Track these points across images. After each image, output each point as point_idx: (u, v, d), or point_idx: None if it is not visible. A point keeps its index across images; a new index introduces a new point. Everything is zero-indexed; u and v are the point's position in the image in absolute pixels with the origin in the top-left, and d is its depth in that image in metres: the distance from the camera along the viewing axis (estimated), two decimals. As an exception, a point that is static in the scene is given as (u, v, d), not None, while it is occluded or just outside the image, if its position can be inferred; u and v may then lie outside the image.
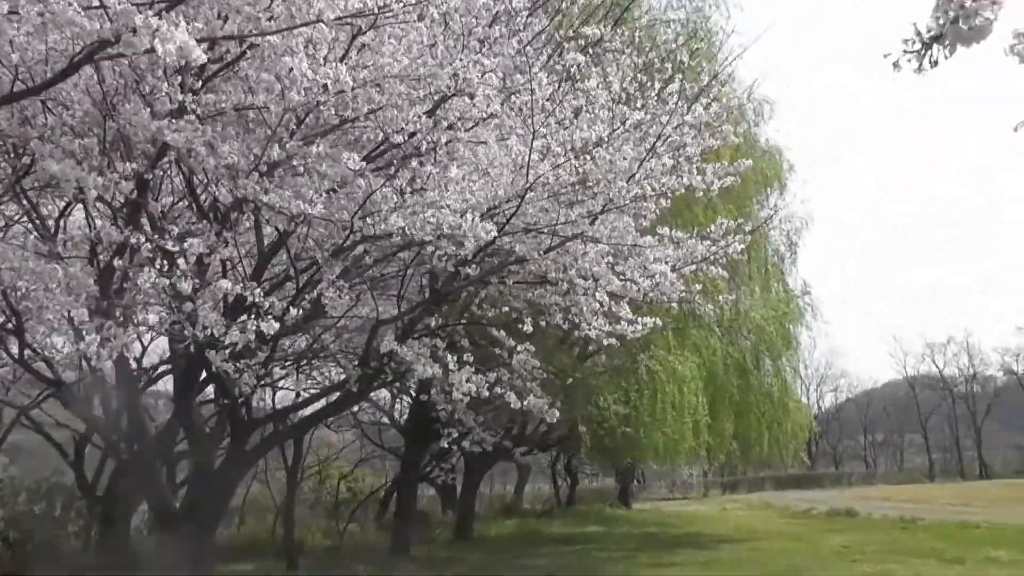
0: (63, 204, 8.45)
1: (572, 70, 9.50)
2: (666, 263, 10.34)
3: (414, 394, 16.05)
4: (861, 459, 79.07)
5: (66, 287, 6.14)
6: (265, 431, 11.70)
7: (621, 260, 10.34)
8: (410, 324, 10.48)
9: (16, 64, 5.73)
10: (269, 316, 6.18)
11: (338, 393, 11.21)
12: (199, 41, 6.00)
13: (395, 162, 7.76)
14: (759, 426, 18.85)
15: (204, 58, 4.69)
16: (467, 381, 8.43)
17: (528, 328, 10.54)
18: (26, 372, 10.39)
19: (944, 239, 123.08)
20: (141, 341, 12.99)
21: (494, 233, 7.69)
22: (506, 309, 10.72)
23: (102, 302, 6.62)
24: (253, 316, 6.18)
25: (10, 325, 8.59)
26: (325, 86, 6.86)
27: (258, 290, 6.46)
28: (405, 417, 20.95)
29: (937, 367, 74.27)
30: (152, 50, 4.12)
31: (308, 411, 12.56)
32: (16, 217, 8.59)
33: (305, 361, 13.57)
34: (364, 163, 6.98)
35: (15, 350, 9.08)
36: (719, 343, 18.14)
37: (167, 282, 6.16)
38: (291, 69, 6.31)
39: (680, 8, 17.47)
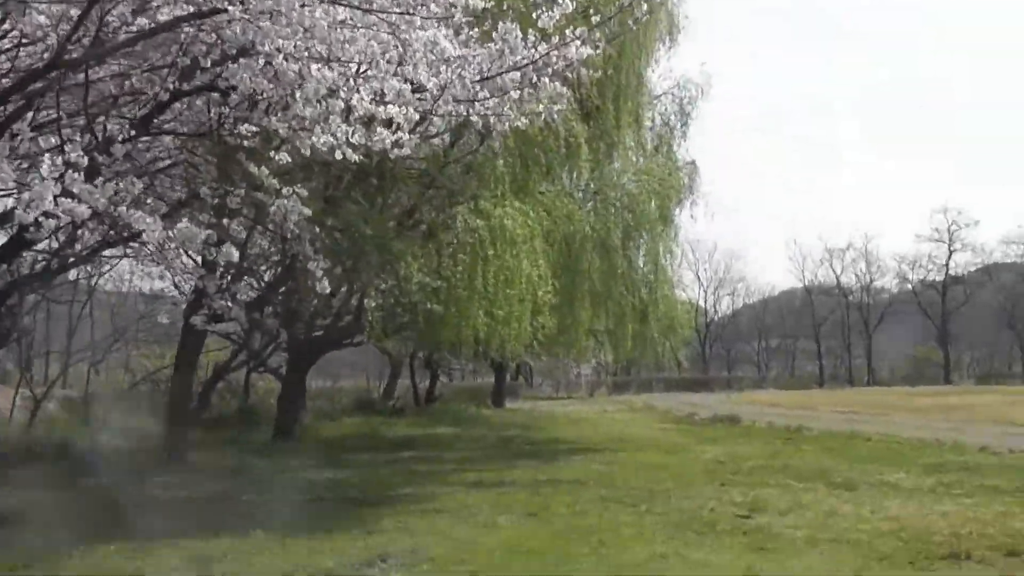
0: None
1: None
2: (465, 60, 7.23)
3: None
4: (754, 364, 78.68)
5: None
6: None
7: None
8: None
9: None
10: None
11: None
12: None
13: None
14: (623, 318, 15.27)
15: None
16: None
17: (282, 157, 7.03)
18: None
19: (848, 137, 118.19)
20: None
21: None
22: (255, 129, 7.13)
23: None
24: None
25: None
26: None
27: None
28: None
29: (835, 272, 73.29)
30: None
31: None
32: None
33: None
34: None
35: None
36: (579, 209, 14.36)
37: None
38: None
39: None
